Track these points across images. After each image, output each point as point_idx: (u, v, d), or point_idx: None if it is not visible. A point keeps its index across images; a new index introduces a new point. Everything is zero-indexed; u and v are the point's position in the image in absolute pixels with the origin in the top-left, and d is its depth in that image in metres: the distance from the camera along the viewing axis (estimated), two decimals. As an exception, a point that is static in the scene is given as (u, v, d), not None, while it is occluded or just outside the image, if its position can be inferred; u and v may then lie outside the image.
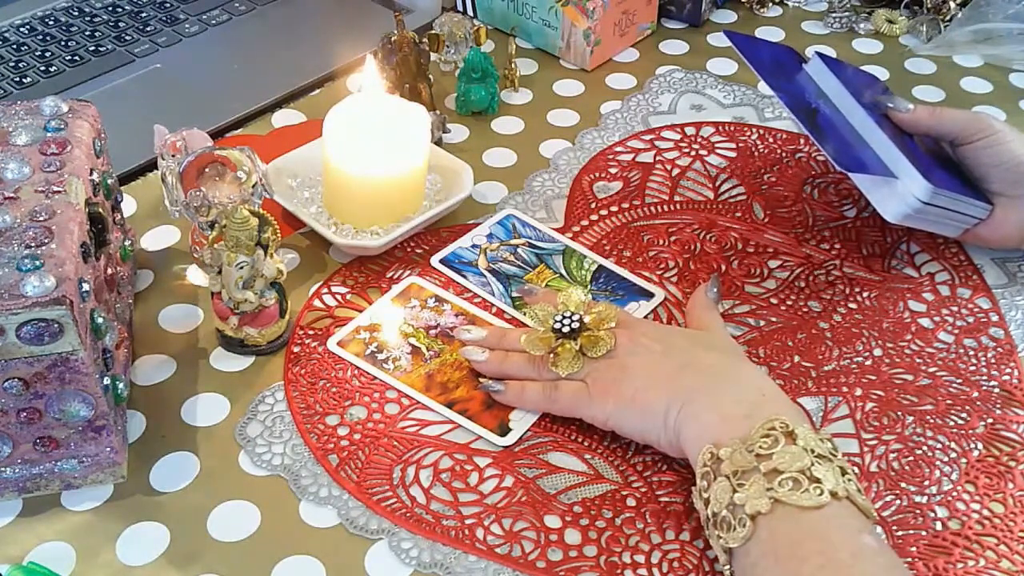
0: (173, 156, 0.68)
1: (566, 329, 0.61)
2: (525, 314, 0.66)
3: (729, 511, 0.51)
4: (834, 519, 0.49)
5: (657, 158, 0.83)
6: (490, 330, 0.66)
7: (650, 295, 0.71)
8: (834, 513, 0.49)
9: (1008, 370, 0.66)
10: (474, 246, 0.74)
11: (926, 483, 0.60)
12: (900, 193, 0.67)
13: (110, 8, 0.99)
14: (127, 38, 0.95)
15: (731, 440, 0.53)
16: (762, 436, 0.52)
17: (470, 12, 1.00)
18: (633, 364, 0.60)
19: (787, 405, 0.55)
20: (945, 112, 0.72)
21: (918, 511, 0.58)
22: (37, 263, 0.52)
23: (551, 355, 0.62)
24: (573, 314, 0.61)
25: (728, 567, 0.51)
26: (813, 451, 0.51)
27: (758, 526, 0.49)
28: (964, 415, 0.63)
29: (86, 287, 0.54)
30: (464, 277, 0.72)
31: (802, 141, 0.85)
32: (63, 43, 0.94)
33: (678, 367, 0.59)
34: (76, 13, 0.98)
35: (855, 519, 0.49)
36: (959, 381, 0.65)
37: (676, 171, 0.82)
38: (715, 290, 0.67)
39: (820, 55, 0.76)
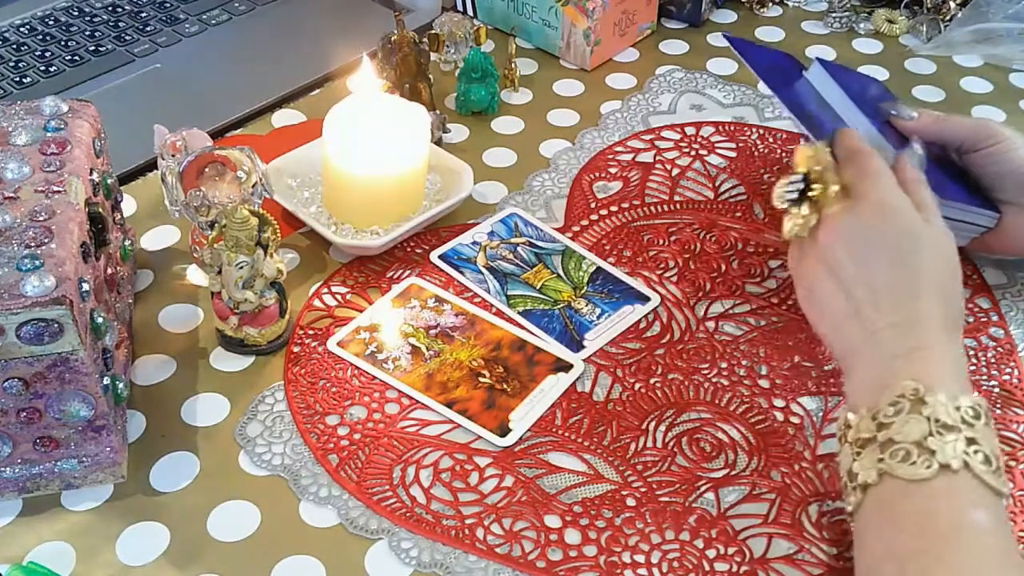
0: (173, 156, 0.68)
1: (789, 199, 0.62)
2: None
3: (848, 478, 0.52)
4: (942, 492, 0.48)
5: (657, 158, 0.83)
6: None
7: (646, 299, 0.71)
8: (944, 486, 0.48)
9: (1008, 370, 0.66)
10: (474, 243, 0.74)
11: (926, 483, 0.59)
12: None
13: (110, 8, 0.99)
14: (127, 38, 0.95)
15: (863, 408, 0.53)
16: (889, 403, 0.51)
17: (470, 12, 1.00)
18: (819, 277, 0.60)
19: (948, 358, 0.54)
20: (950, 119, 0.70)
21: (918, 511, 0.58)
22: (37, 263, 0.52)
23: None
24: (795, 180, 0.61)
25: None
26: (937, 420, 0.50)
27: (867, 496, 0.50)
28: (964, 415, 0.63)
29: (86, 287, 0.54)
30: (461, 273, 0.72)
31: (802, 141, 0.85)
32: (63, 43, 0.94)
33: (850, 313, 0.57)
34: (76, 13, 0.98)
35: (971, 493, 0.48)
36: (959, 381, 0.65)
37: (676, 171, 0.82)
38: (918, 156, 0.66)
39: (821, 61, 0.75)
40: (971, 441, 0.49)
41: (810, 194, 0.61)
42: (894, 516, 0.49)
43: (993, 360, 0.67)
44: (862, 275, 0.58)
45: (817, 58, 0.76)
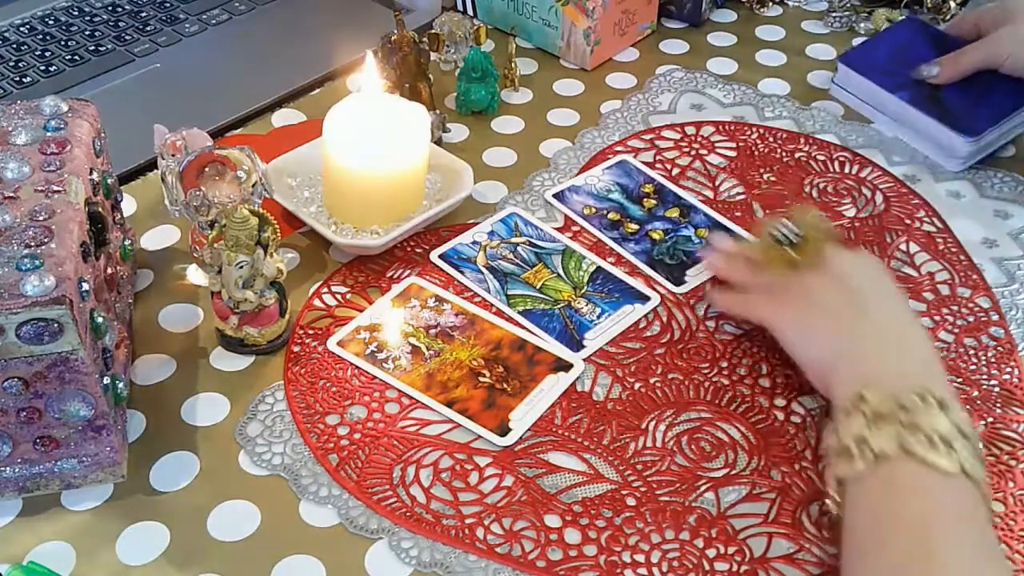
0: (173, 156, 0.68)
1: (781, 236, 0.65)
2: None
3: (855, 443, 0.52)
4: (952, 488, 0.50)
5: (657, 157, 0.83)
6: (732, 244, 0.72)
7: (646, 298, 0.71)
8: (956, 485, 0.50)
9: (1008, 369, 0.66)
10: (474, 243, 0.74)
11: (926, 482, 0.59)
12: (947, 149, 0.81)
13: (110, 8, 0.99)
14: (127, 38, 0.95)
15: (882, 388, 0.54)
16: (914, 393, 0.53)
17: (470, 12, 1.00)
18: (822, 291, 0.62)
19: (944, 385, 0.56)
20: (964, 57, 0.81)
21: (918, 510, 0.58)
22: (37, 263, 0.52)
23: (764, 258, 0.66)
24: (793, 227, 0.65)
25: (833, 500, 0.54)
26: (958, 426, 0.52)
27: (880, 465, 0.51)
28: (964, 414, 0.63)
29: (86, 287, 0.54)
30: (461, 273, 0.72)
31: (802, 140, 0.85)
32: (63, 43, 0.94)
33: (859, 313, 0.60)
34: (76, 13, 0.98)
35: (972, 498, 0.50)
36: (959, 380, 0.65)
37: (676, 171, 0.82)
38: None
39: (847, 57, 0.86)
40: (980, 460, 0.51)
41: (794, 252, 0.65)
42: (905, 491, 0.50)
43: (993, 360, 0.67)
44: (862, 290, 0.62)
45: (839, 59, 0.86)
